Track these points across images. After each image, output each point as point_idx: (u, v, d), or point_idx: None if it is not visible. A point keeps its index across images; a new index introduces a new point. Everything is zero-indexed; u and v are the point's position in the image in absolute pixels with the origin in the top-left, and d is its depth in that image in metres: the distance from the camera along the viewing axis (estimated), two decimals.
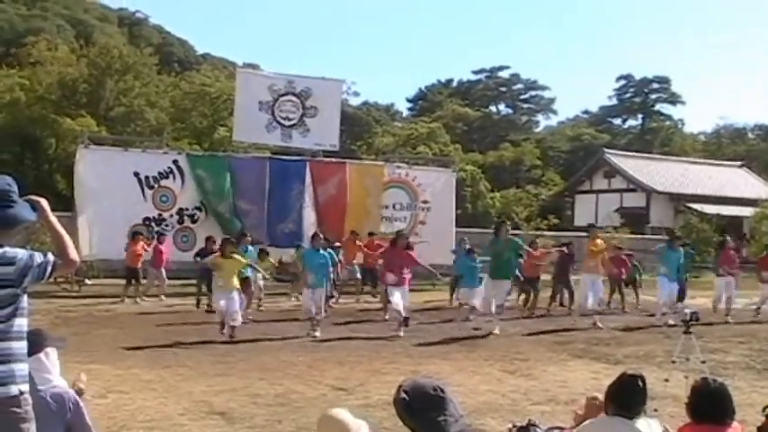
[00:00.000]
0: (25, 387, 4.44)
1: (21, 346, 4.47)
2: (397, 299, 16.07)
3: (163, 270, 21.91)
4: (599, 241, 18.76)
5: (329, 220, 25.06)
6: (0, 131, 43.29)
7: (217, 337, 14.67)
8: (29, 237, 16.66)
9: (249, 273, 18.03)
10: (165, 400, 9.43)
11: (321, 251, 16.32)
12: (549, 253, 21.65)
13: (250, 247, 19.38)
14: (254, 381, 10.60)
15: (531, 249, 19.86)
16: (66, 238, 4.55)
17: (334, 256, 18.35)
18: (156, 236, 22.87)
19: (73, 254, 4.54)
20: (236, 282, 15.57)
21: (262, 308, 19.78)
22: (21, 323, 4.46)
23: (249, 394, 9.74)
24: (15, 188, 4.55)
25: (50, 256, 4.47)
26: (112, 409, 8.77)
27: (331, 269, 17.45)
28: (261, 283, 19.79)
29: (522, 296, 20.98)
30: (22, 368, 4.45)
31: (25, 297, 4.47)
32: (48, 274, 4.43)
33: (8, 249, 4.41)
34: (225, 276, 15.34)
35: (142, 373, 11.15)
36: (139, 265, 21.41)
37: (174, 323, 16.71)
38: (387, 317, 17.57)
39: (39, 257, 4.42)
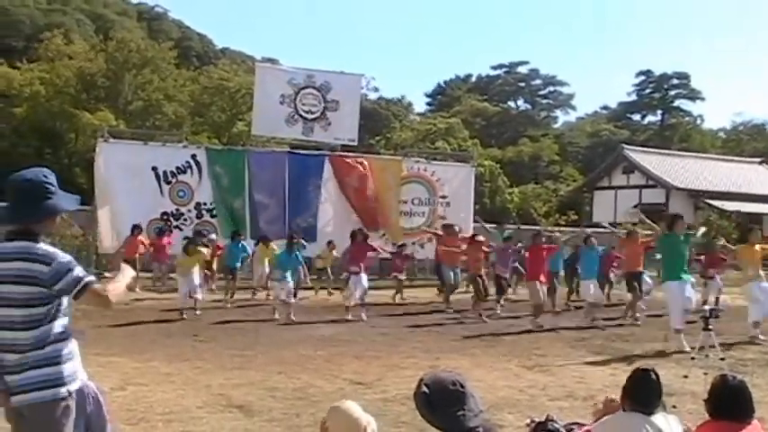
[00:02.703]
0: (74, 386, 4.49)
1: (67, 346, 4.52)
2: (362, 285, 17.90)
3: (162, 265, 22.53)
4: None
5: (366, 214, 25.31)
6: (20, 125, 43.65)
7: (234, 331, 14.79)
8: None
9: (237, 264, 20.46)
10: (183, 392, 9.45)
11: (295, 253, 18.21)
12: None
13: (243, 243, 21.07)
14: (273, 374, 10.61)
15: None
16: (123, 290, 4.64)
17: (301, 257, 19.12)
18: (162, 231, 22.91)
19: (115, 299, 4.58)
20: (197, 272, 17.75)
21: (257, 295, 20.49)
22: (64, 323, 4.51)
23: (267, 388, 9.75)
24: (53, 179, 4.59)
25: (91, 277, 4.47)
26: (131, 402, 8.80)
27: (300, 269, 18.96)
28: (266, 272, 20.16)
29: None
30: (70, 368, 4.50)
31: (65, 298, 4.50)
32: (77, 290, 4.40)
33: (48, 249, 4.44)
34: (184, 270, 17.55)
35: (161, 365, 11.19)
36: (136, 256, 21.55)
37: (193, 318, 16.76)
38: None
39: (79, 271, 4.42)
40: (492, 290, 19.06)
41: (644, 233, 18.16)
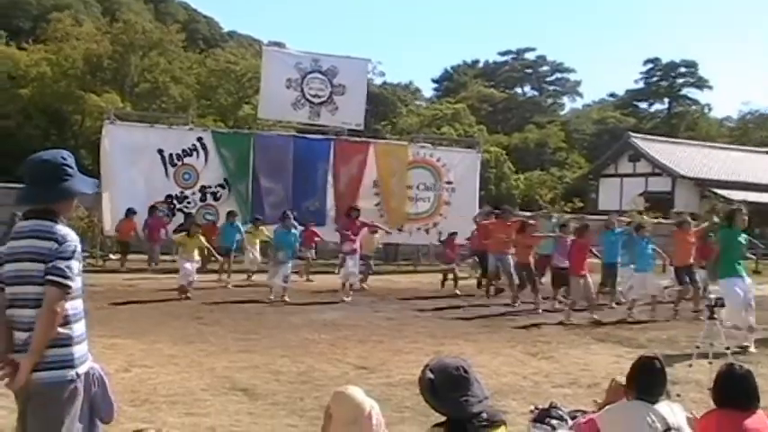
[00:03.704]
0: (83, 368, 4.50)
1: (79, 327, 4.52)
2: (353, 265, 18.18)
3: (157, 246, 23.06)
4: None
5: (346, 200, 25.05)
6: (27, 106, 43.63)
7: (239, 314, 14.84)
8: None
9: (233, 245, 20.76)
10: (187, 375, 9.46)
11: (292, 231, 18.01)
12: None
13: (237, 223, 21.26)
14: (277, 358, 10.61)
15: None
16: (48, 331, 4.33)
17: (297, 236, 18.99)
18: (154, 210, 23.35)
19: (51, 321, 4.30)
20: (197, 255, 18.21)
21: (252, 278, 20.75)
22: (75, 306, 4.50)
23: (271, 371, 9.76)
24: (71, 161, 4.60)
25: (68, 282, 4.35)
26: (135, 383, 8.81)
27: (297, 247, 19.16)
28: (257, 256, 20.99)
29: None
30: (81, 350, 4.51)
31: (78, 279, 4.49)
32: (48, 279, 4.31)
33: (64, 230, 4.45)
34: (188, 251, 17.85)
35: (165, 347, 11.20)
36: (128, 238, 22.96)
37: (196, 299, 16.80)
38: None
39: (68, 266, 4.37)
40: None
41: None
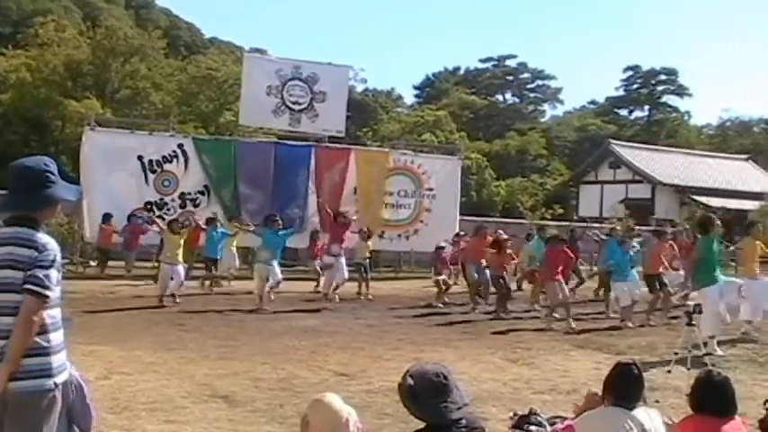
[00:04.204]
0: (61, 378, 4.46)
1: (57, 337, 4.48)
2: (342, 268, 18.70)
3: (133, 253, 22.91)
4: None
5: (336, 206, 25.02)
6: (6, 112, 43.39)
7: (219, 321, 14.83)
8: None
9: (218, 254, 20.49)
10: (167, 382, 9.44)
11: (279, 232, 17.84)
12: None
13: (220, 229, 20.72)
14: (257, 365, 10.60)
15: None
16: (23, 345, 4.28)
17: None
18: (133, 217, 23.04)
19: (26, 331, 4.24)
20: (180, 256, 17.52)
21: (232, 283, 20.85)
22: (54, 314, 4.46)
23: (251, 378, 9.75)
24: (54, 168, 4.58)
25: (47, 291, 4.30)
26: (115, 391, 8.79)
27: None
28: (235, 260, 21.26)
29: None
30: (59, 359, 4.47)
31: (58, 288, 4.45)
32: (26, 287, 4.25)
33: (44, 238, 4.42)
34: (171, 249, 17.48)
35: (145, 355, 11.17)
36: (109, 245, 22.75)
37: (176, 306, 16.76)
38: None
39: (46, 275, 4.31)
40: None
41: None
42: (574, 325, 15.23)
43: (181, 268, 17.45)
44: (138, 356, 11.04)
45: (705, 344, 11.48)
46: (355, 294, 19.62)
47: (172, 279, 17.18)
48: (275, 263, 17.58)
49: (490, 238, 19.22)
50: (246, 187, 24.69)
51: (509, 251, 19.12)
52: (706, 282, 12.89)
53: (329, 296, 18.36)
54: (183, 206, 24.20)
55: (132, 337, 12.78)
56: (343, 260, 19.01)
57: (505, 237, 19.52)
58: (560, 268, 16.41)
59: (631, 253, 17.30)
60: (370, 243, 21.17)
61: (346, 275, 18.93)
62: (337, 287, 18.71)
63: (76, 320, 11.71)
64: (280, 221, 18.02)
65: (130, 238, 22.57)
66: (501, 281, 17.94)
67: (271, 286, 17.35)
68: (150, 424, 7.61)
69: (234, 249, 21.21)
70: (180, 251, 17.57)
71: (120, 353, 11.21)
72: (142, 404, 8.32)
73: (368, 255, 20.81)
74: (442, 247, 20.89)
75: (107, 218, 22.65)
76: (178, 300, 17.12)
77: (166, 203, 24.06)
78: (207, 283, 19.93)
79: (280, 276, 17.63)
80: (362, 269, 20.13)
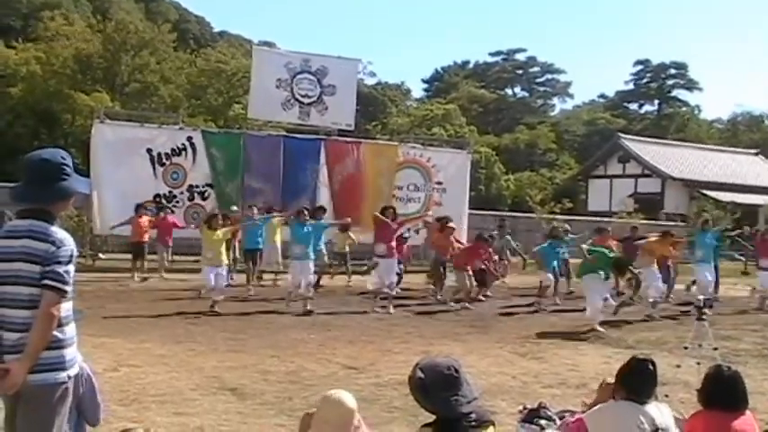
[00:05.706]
0: (73, 371, 4.47)
1: (70, 330, 4.49)
2: (385, 269, 16.83)
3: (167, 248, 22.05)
4: None
5: (347, 200, 25.08)
6: (16, 105, 43.46)
7: (229, 314, 14.81)
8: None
9: (260, 245, 19.62)
10: (176, 374, 9.46)
11: (307, 225, 16.38)
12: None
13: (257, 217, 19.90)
14: (266, 358, 10.61)
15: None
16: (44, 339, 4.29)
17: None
18: (158, 212, 22.26)
19: (48, 324, 4.25)
20: (224, 256, 16.12)
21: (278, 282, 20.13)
22: (67, 308, 4.47)
23: (260, 371, 9.76)
24: (69, 161, 4.57)
25: (66, 287, 4.31)
26: (124, 383, 8.80)
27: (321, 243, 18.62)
28: (278, 253, 20.15)
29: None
30: (71, 352, 4.48)
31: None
32: (46, 284, 4.25)
33: (60, 232, 4.42)
34: (209, 248, 15.85)
35: (154, 347, 11.19)
36: (146, 239, 21.28)
37: (186, 299, 16.78)
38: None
39: (66, 270, 4.32)
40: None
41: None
42: (471, 308, 17.04)
43: (224, 270, 16.03)
44: (147, 349, 11.06)
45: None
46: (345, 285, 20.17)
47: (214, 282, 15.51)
48: (308, 259, 16.22)
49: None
50: (256, 181, 24.66)
51: (451, 237, 19.19)
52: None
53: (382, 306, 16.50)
54: (191, 199, 24.19)
55: (141, 329, 12.81)
56: (390, 261, 17.05)
57: (452, 225, 19.56)
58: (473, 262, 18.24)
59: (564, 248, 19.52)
60: (351, 234, 21.32)
61: (394, 279, 17.26)
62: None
63: (86, 313, 11.78)
64: (307, 214, 16.68)
65: (163, 233, 21.66)
66: (441, 266, 18.80)
67: (303, 288, 15.87)
68: (159, 416, 7.61)
69: (278, 243, 20.08)
70: (222, 249, 15.99)
71: (130, 345, 11.24)
72: (151, 396, 8.33)
73: (347, 247, 21.29)
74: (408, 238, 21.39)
75: (142, 209, 21.46)
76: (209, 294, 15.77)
77: (175, 196, 24.01)
78: (256, 277, 19.35)
79: (311, 278, 16.31)
80: (340, 259, 21.20)
